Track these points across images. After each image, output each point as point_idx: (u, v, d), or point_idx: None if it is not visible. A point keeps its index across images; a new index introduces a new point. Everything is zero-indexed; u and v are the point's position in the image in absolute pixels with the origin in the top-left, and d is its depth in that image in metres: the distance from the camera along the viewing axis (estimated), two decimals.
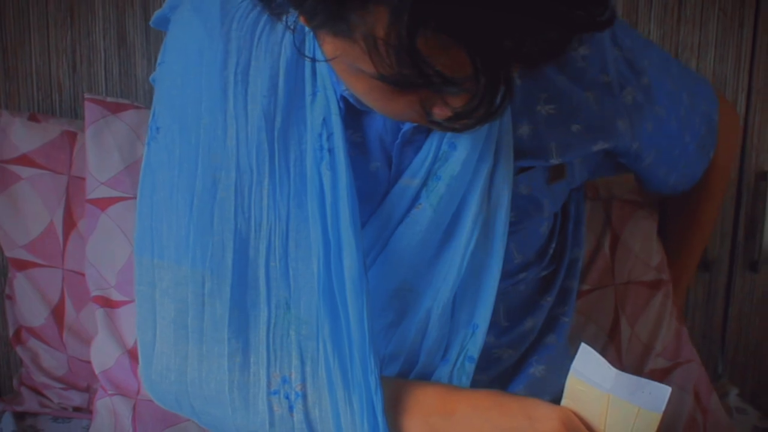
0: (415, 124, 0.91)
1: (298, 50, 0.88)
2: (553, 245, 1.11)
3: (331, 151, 0.88)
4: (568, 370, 1.09)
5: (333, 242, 0.88)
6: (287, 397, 0.91)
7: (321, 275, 0.89)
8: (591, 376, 0.85)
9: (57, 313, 1.50)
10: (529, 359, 1.10)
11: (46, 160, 1.49)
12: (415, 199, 0.93)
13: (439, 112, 0.75)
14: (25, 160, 1.48)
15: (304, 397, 0.90)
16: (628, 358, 1.52)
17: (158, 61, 1.01)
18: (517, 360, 1.10)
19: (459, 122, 0.73)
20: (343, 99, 0.90)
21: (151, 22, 1.09)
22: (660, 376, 1.49)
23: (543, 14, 0.65)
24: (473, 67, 0.66)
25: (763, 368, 1.91)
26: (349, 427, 0.89)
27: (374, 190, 0.95)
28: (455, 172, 0.90)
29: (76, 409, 1.51)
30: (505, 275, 0.99)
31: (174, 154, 0.94)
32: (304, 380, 0.91)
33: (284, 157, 0.90)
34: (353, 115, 0.92)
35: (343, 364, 0.89)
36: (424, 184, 0.92)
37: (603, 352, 1.52)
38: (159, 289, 0.95)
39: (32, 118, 1.51)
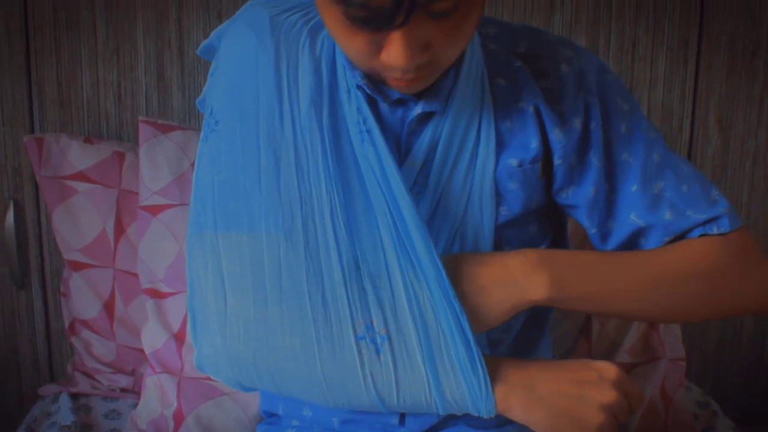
0: (415, 117, 0.98)
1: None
2: None
3: (369, 131, 0.95)
4: (546, 329, 1.14)
5: (391, 203, 0.93)
6: (373, 342, 0.90)
7: (392, 231, 0.92)
8: None
9: (108, 307, 1.54)
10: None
11: (100, 176, 1.53)
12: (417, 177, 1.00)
13: (386, 56, 0.85)
14: (81, 176, 1.53)
15: (389, 338, 0.90)
16: (597, 351, 1.56)
17: (210, 71, 1.06)
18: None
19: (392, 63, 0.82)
20: (359, 89, 0.97)
21: (198, 51, 1.13)
22: (625, 368, 1.49)
23: None
24: None
25: (706, 351, 1.97)
26: (442, 348, 0.90)
27: None
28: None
29: (123, 390, 1.55)
30: None
31: (236, 139, 0.97)
32: (386, 325, 0.91)
33: (332, 138, 0.95)
34: (371, 107, 0.98)
35: (423, 300, 0.91)
36: (423, 165, 0.99)
37: (575, 344, 1.57)
38: (226, 260, 0.95)
39: (87, 140, 1.55)
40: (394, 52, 0.83)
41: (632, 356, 1.55)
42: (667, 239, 1.02)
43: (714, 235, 1.00)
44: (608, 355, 1.56)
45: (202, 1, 1.68)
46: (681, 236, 1.02)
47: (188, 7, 1.68)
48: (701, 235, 1.01)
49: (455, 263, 0.95)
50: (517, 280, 0.94)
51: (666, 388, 1.53)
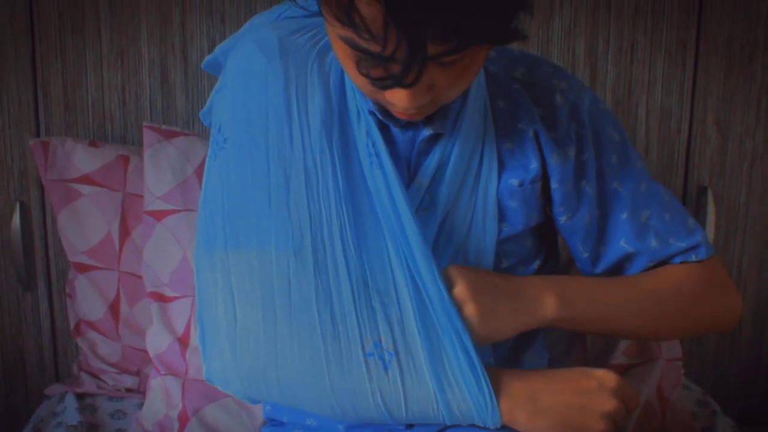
0: (424, 138, 0.99)
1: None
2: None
3: (377, 155, 0.96)
4: (536, 337, 1.14)
5: (397, 224, 0.94)
6: (381, 358, 0.92)
7: (400, 251, 0.93)
8: None
9: (113, 308, 1.54)
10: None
11: (104, 179, 1.53)
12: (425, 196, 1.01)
13: (389, 95, 0.85)
14: (86, 179, 1.53)
15: (397, 355, 0.91)
16: (592, 353, 1.56)
17: (216, 88, 1.06)
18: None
19: (383, 82, 0.81)
20: (371, 114, 0.98)
21: (203, 65, 1.14)
22: (621, 369, 1.52)
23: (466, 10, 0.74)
24: (385, 24, 0.75)
25: (706, 352, 1.97)
26: (447, 365, 0.92)
27: None
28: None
29: (128, 390, 1.55)
30: None
31: (245, 158, 0.98)
32: (394, 341, 0.92)
33: (342, 159, 0.96)
34: (381, 130, 0.99)
35: (427, 318, 0.92)
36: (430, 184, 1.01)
37: (571, 346, 1.57)
38: (236, 276, 0.95)
39: (92, 144, 1.55)
40: (397, 95, 0.84)
41: (628, 357, 1.55)
42: (651, 265, 1.09)
43: (693, 262, 1.09)
44: (604, 357, 1.55)
45: (205, 6, 1.68)
46: (663, 262, 1.09)
47: (192, 12, 1.68)
48: (681, 262, 1.09)
49: (473, 275, 0.97)
50: (531, 298, 0.98)
51: (662, 388, 1.53)
